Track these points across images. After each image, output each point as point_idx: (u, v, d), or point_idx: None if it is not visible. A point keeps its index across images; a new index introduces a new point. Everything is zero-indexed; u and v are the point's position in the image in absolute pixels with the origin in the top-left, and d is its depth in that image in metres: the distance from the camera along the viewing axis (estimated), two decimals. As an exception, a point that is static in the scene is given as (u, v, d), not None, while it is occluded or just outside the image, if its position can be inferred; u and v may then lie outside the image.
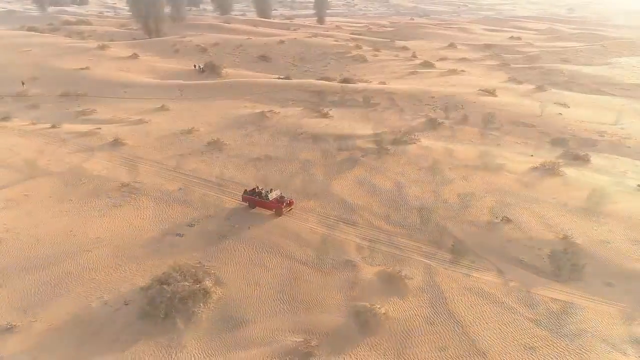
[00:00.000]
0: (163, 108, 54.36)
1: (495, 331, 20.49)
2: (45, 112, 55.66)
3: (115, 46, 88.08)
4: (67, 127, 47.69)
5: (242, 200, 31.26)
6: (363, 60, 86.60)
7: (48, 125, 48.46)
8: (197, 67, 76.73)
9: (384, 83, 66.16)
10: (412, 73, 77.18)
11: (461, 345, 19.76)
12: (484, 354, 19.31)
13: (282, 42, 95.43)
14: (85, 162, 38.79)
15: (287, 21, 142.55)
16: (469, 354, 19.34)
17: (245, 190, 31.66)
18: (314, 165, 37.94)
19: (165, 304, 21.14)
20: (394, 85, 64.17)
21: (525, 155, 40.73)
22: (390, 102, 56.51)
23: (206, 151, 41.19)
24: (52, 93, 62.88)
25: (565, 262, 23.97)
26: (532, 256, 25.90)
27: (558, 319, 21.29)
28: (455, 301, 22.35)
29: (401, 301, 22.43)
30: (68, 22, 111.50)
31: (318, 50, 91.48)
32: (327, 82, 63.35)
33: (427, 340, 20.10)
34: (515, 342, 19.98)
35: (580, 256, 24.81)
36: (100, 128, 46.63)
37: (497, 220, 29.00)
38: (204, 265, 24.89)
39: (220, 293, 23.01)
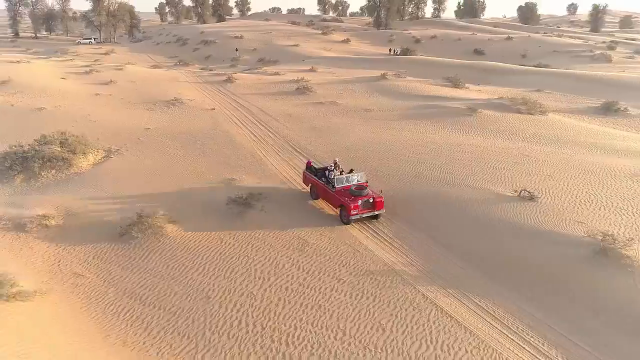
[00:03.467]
0: (311, 70, 53.78)
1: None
2: (234, 68, 63.22)
3: (337, 34, 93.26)
4: (214, 71, 52.79)
5: (303, 181, 18.45)
6: (606, 59, 65.72)
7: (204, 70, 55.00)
8: (392, 51, 74.37)
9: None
10: (667, 73, 53.94)
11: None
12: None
13: (509, 38, 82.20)
14: (186, 89, 41.46)
15: (543, 26, 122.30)
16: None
17: (309, 163, 18.69)
18: (370, 113, 30.49)
19: (17, 158, 19.70)
20: (601, 72, 45.97)
21: None
22: (574, 85, 40.58)
23: (289, 93, 38.38)
24: (255, 59, 71.47)
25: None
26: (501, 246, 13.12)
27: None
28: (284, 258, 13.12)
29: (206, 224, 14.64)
30: (324, 20, 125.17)
31: (549, 48, 74.48)
32: (502, 64, 50.72)
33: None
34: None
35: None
36: (235, 73, 49.46)
37: (509, 194, 16.10)
38: (118, 150, 22.54)
39: (84, 169, 20.20)
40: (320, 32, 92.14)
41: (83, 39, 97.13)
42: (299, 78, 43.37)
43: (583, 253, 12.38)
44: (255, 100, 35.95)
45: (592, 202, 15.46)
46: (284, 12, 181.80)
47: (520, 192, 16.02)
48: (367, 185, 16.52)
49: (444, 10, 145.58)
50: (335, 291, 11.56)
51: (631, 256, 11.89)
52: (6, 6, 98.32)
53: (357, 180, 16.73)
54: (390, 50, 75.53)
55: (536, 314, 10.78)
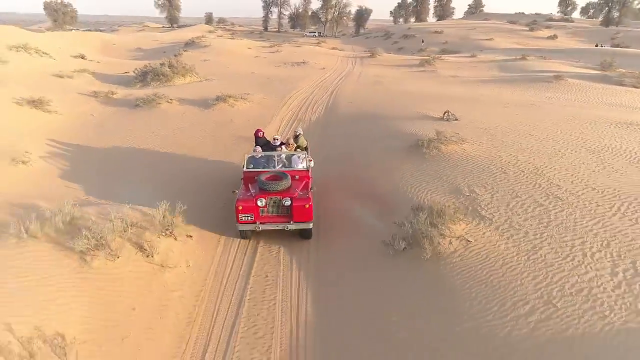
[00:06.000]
0: (472, 56, 52.92)
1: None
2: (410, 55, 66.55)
3: (548, 31, 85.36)
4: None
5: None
6: None
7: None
8: (597, 46, 65.22)
9: None
10: None
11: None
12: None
13: None
14: (326, 58, 47.19)
15: None
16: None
17: (258, 133, 11.97)
18: (453, 78, 30.82)
19: (141, 73, 28.70)
20: None
21: None
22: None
23: (409, 66, 40.38)
24: (439, 49, 72.92)
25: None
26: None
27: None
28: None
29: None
30: (550, 19, 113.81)
31: None
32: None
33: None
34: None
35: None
36: (388, 53, 52.91)
37: (437, 116, 16.19)
38: (213, 79, 29.82)
39: (177, 84, 27.78)
40: (527, 29, 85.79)
41: (309, 33, 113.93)
42: (433, 57, 44.12)
43: (404, 145, 12.62)
44: (369, 68, 39.07)
45: (506, 127, 14.34)
46: (526, 13, 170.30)
47: (444, 113, 15.91)
48: (307, 178, 9.97)
49: None
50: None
51: (442, 150, 11.71)
52: (262, 6, 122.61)
53: (302, 166, 10.21)
54: (596, 45, 66.18)
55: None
